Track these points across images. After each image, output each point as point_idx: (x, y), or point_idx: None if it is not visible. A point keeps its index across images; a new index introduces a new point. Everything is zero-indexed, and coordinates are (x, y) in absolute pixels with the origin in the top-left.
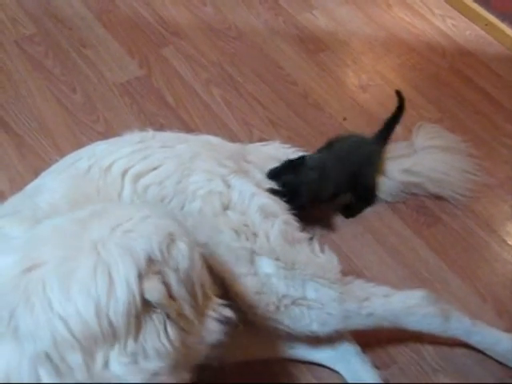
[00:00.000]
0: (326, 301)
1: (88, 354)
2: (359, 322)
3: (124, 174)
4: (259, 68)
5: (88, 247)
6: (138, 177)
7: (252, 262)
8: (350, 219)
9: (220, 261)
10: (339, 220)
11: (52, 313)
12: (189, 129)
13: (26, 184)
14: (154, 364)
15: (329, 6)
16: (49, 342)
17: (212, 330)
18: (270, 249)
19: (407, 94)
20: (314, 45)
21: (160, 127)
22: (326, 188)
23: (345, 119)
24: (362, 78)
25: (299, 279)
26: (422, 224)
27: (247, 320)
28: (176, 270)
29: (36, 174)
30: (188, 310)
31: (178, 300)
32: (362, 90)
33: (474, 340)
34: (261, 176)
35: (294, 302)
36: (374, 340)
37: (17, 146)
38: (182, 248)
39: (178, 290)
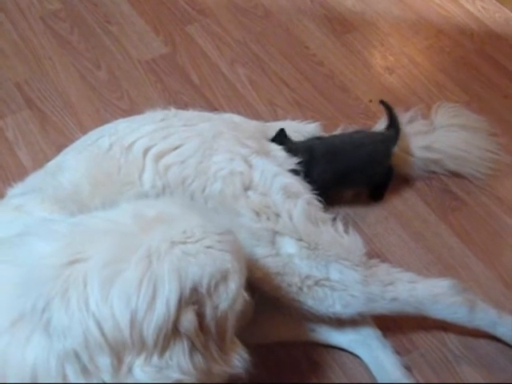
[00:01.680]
0: (349, 283)
1: (116, 357)
2: (383, 306)
3: (145, 152)
4: (285, 47)
5: (142, 254)
6: (159, 156)
7: (273, 242)
8: (374, 203)
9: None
10: (363, 203)
11: (87, 312)
12: (213, 108)
13: (48, 161)
14: (176, 375)
15: None
16: (80, 341)
17: (233, 365)
18: (293, 228)
19: (435, 76)
20: (341, 25)
21: (184, 105)
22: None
23: (371, 101)
24: (389, 60)
25: (322, 260)
26: (447, 208)
27: (269, 302)
28: (215, 307)
29: (59, 150)
30: (212, 347)
31: (206, 334)
32: (388, 72)
33: (499, 331)
34: (283, 156)
35: (317, 283)
36: (395, 326)
37: (40, 122)
38: (230, 289)
39: (209, 325)
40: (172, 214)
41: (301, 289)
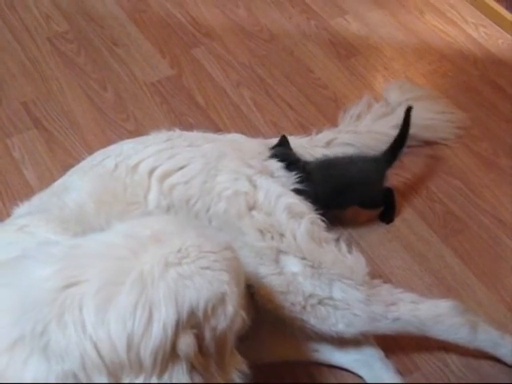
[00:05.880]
0: (352, 302)
1: (114, 378)
2: (385, 326)
3: (151, 172)
4: (290, 71)
5: (135, 277)
6: (164, 176)
7: (277, 261)
8: (377, 225)
9: (244, 262)
10: (366, 225)
11: (84, 335)
12: (218, 129)
13: (54, 180)
14: None
15: (361, 12)
16: (77, 363)
17: (233, 381)
18: (297, 248)
19: None
20: (346, 49)
21: (189, 127)
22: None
23: None
24: None
25: (326, 279)
26: (449, 231)
27: (272, 321)
28: (214, 329)
29: (65, 170)
30: (212, 366)
31: (205, 356)
32: None
33: (500, 353)
34: (286, 176)
35: (320, 302)
36: (397, 346)
37: (47, 142)
38: (228, 310)
39: (208, 346)
40: (167, 233)
41: (304, 308)
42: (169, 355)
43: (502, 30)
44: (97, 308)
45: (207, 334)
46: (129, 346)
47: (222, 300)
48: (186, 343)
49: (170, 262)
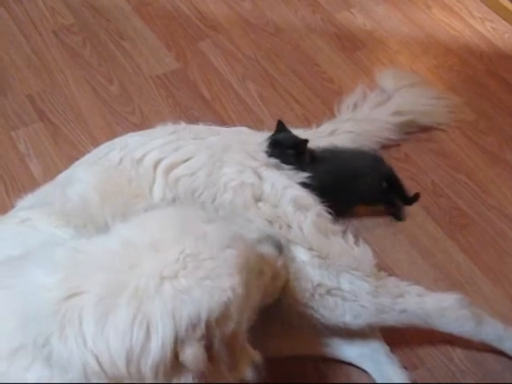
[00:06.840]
0: (360, 293)
1: None
2: (391, 318)
3: (156, 165)
4: (295, 64)
5: (131, 292)
6: (169, 168)
7: (287, 248)
8: (382, 219)
9: None
10: (372, 219)
11: (85, 348)
12: (223, 122)
13: (59, 173)
14: None
15: (367, 5)
16: (80, 374)
17: (245, 377)
18: (304, 239)
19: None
20: (351, 43)
21: (195, 120)
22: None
23: None
24: None
25: (334, 269)
26: (455, 226)
27: (281, 314)
28: (221, 335)
29: (70, 163)
30: (224, 370)
31: (215, 361)
32: None
33: (505, 346)
34: (292, 168)
35: (328, 292)
36: (402, 341)
37: (52, 135)
38: (233, 316)
39: (218, 351)
40: (166, 241)
41: (313, 295)
42: (171, 369)
43: (508, 25)
44: (96, 321)
45: (215, 341)
46: (128, 361)
47: (225, 309)
48: (193, 355)
49: (166, 276)
